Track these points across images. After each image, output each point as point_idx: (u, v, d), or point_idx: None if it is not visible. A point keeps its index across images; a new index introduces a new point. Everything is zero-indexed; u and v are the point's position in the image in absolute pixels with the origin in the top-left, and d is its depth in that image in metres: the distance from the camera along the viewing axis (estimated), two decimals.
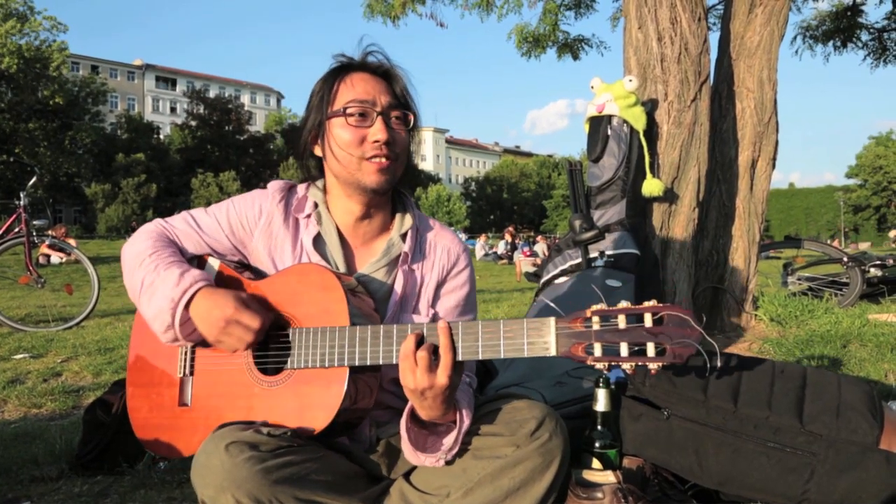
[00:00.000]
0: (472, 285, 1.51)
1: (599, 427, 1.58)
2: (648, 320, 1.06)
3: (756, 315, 4.07)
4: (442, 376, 1.16)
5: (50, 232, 6.14)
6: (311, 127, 1.39)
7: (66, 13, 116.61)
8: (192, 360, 1.39)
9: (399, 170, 1.40)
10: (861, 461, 1.49)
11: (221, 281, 1.40)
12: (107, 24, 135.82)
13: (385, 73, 1.40)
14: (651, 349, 1.06)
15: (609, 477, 1.52)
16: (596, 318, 1.09)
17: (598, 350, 1.08)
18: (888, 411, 1.62)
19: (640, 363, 1.06)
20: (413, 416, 1.27)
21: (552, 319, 1.13)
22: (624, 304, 1.09)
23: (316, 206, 1.45)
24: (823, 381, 1.69)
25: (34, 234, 5.16)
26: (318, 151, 1.43)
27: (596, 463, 1.56)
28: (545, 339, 1.13)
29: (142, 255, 1.37)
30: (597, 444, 1.57)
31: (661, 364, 1.05)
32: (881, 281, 6.15)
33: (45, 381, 3.14)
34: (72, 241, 10.54)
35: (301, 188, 1.49)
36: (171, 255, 1.36)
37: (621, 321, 1.08)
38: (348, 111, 1.34)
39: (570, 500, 1.48)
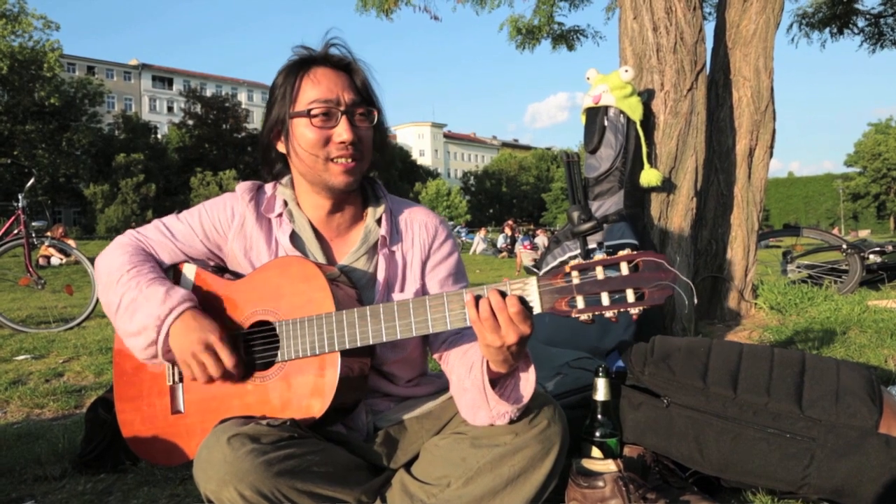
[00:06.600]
0: (458, 253, 1.51)
1: (600, 416, 1.59)
2: (625, 269, 1.09)
3: (756, 303, 4.07)
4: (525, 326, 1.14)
5: (48, 233, 6.13)
6: (274, 123, 1.38)
7: (61, 14, 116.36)
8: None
9: (365, 166, 1.39)
10: (860, 445, 1.49)
11: (200, 283, 1.40)
12: (102, 25, 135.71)
13: (346, 67, 1.39)
14: (630, 295, 1.08)
15: (610, 466, 1.53)
16: (575, 273, 1.11)
17: (580, 302, 1.10)
18: (887, 396, 1.63)
19: (622, 309, 1.08)
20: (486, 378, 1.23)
21: (534, 278, 1.15)
22: (599, 255, 1.11)
23: (286, 204, 1.45)
24: (822, 367, 1.69)
25: (33, 235, 5.16)
26: (281, 148, 1.42)
27: (596, 452, 1.56)
28: (530, 298, 1.14)
29: (119, 270, 1.36)
30: (597, 434, 1.58)
31: (641, 308, 1.07)
32: (880, 267, 6.16)
33: (47, 382, 3.14)
34: (71, 242, 10.51)
35: (268, 188, 1.48)
36: (150, 271, 1.36)
37: (599, 272, 1.10)
38: (312, 112, 1.32)
39: (571, 489, 1.49)
